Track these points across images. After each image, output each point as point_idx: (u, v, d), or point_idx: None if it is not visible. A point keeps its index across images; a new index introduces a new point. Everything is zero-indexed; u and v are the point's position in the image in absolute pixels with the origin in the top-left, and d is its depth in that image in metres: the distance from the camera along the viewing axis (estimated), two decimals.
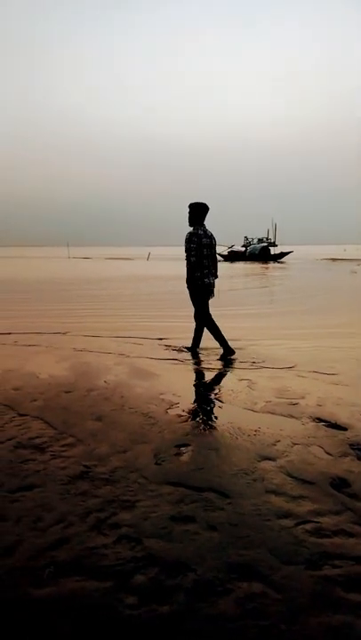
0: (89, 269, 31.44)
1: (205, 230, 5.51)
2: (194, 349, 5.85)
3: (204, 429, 3.25)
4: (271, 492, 2.43)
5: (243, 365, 5.08)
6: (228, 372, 4.75)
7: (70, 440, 3.10)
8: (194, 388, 4.29)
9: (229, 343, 5.51)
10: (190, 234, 5.46)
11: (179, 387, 4.28)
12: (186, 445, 2.99)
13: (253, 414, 3.53)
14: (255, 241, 48.48)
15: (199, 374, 4.72)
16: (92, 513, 2.25)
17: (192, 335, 5.90)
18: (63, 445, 3.01)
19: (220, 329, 5.55)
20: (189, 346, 5.92)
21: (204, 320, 5.62)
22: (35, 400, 3.86)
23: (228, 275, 25.16)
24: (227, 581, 1.79)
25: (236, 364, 5.12)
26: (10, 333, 7.14)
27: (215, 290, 5.58)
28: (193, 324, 5.85)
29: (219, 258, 36.09)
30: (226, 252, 46.13)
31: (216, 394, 4.03)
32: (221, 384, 4.32)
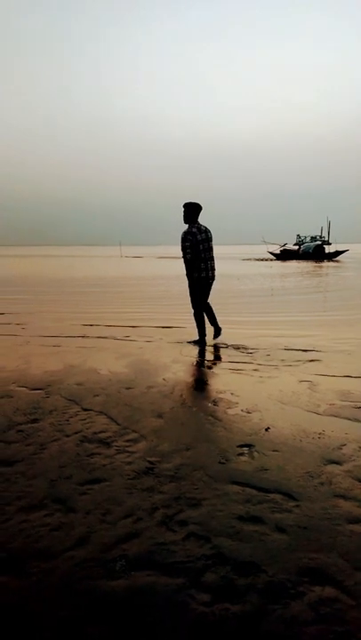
0: (141, 268, 31.82)
1: (199, 227, 5.90)
2: (217, 331, 6.52)
3: (267, 430, 3.21)
4: (340, 496, 2.38)
5: (302, 368, 4.99)
6: (288, 374, 4.67)
7: (133, 435, 3.15)
8: (253, 388, 4.25)
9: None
10: (185, 233, 5.83)
11: (237, 386, 4.26)
12: (249, 446, 2.97)
13: (316, 417, 3.45)
14: (308, 239, 47.42)
15: (258, 375, 4.67)
16: (160, 509, 2.28)
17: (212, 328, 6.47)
18: (127, 441, 3.07)
19: (205, 322, 6.27)
20: (215, 335, 6.53)
21: (197, 309, 6.18)
22: (97, 395, 3.96)
23: (280, 273, 24.78)
24: (299, 584, 1.77)
25: (294, 367, 5.03)
26: (83, 336, 7.34)
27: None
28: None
29: (271, 257, 35.42)
30: (278, 251, 45.46)
31: (276, 395, 3.97)
32: (282, 385, 4.25)
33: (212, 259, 6.03)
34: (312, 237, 47.46)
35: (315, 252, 43.67)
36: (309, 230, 49.36)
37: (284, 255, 44.79)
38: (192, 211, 5.93)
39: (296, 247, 46.41)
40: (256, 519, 2.18)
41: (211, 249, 6.01)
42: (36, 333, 7.17)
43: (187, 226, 5.92)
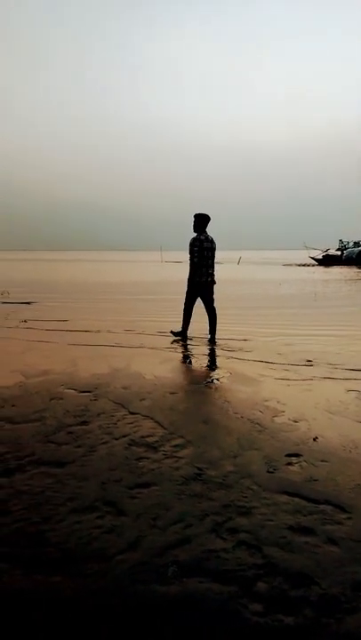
0: (180, 274, 31.95)
1: (207, 236, 6.64)
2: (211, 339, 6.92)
3: (315, 440, 3.17)
4: None
5: (350, 379, 4.90)
6: (335, 383, 4.60)
7: (180, 441, 3.17)
8: (299, 396, 4.20)
9: None
10: (194, 239, 6.54)
11: (283, 395, 4.22)
12: (297, 455, 2.94)
13: None
14: (351, 244, 46.39)
15: (303, 384, 4.61)
16: (209, 515, 2.29)
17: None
18: (174, 446, 3.09)
19: (190, 319, 6.90)
20: (209, 337, 7.00)
21: (186, 308, 6.83)
22: (143, 399, 4.01)
23: (322, 280, 24.35)
24: (353, 599, 1.74)
25: (339, 376, 4.94)
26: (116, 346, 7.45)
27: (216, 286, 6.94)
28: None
29: (313, 262, 35.11)
30: (320, 257, 44.72)
31: (323, 404, 3.92)
32: (329, 394, 4.18)
33: (212, 266, 6.74)
34: (355, 242, 46.37)
35: (358, 257, 42.69)
36: (353, 235, 48.41)
37: (327, 261, 44.01)
38: (201, 221, 6.63)
39: (339, 252, 45.52)
40: (307, 530, 2.16)
41: (213, 257, 6.75)
42: (80, 339, 7.32)
43: (195, 234, 6.59)
